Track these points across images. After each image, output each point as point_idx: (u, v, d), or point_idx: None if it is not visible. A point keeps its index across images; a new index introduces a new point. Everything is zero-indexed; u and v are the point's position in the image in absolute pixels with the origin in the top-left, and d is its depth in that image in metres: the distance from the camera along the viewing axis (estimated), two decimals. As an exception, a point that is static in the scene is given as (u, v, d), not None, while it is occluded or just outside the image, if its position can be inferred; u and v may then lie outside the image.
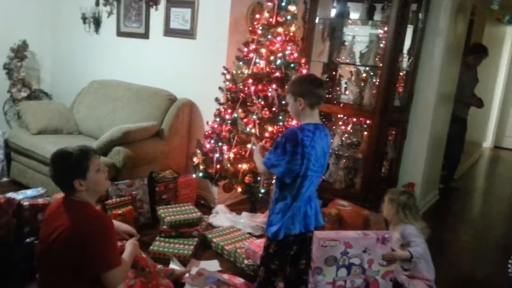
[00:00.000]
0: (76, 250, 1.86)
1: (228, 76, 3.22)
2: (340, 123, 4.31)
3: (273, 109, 3.04)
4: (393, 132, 4.03)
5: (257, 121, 3.06)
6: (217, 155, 3.18)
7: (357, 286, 2.55)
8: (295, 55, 3.15)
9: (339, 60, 4.07)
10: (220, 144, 3.20)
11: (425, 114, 3.91)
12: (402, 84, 3.98)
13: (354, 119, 4.23)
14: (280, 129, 3.07)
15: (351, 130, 4.17)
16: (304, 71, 3.21)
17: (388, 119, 3.72)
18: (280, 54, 3.08)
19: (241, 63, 3.15)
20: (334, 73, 4.30)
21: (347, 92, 4.11)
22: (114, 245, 2.00)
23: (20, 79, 4.65)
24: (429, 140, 3.97)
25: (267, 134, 3.05)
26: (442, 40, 3.76)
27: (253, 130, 3.06)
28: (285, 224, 2.09)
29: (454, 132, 4.87)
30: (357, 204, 3.78)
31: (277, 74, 3.04)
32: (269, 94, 3.07)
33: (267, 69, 3.05)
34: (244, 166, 3.03)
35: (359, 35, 4.04)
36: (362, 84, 3.98)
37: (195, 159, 3.35)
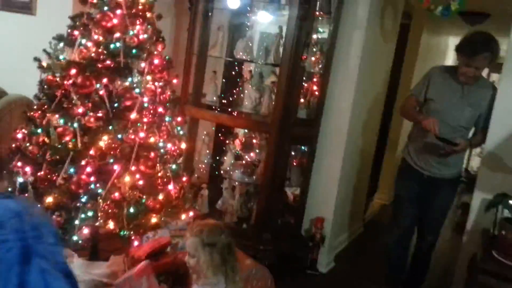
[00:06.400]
0: None
1: (45, 63, 2.18)
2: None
3: (99, 114, 2.05)
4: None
5: (79, 131, 2.06)
6: (20, 179, 2.13)
7: None
8: (145, 36, 2.17)
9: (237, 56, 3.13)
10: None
11: (338, 129, 3.04)
12: (312, 90, 3.09)
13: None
14: (114, 145, 2.08)
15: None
16: (156, 61, 2.22)
17: (289, 134, 2.82)
18: (117, 35, 2.09)
19: (62, 44, 2.14)
20: (233, 73, 3.37)
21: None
22: None
23: None
24: (343, 163, 3.09)
25: (92, 152, 2.05)
26: (362, 34, 2.90)
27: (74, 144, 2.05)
28: None
29: (397, 193, 2.91)
30: (249, 245, 2.87)
31: (108, 62, 2.05)
32: (101, 91, 2.07)
33: (93, 55, 2.06)
34: (49, 200, 2.00)
35: (264, 23, 3.14)
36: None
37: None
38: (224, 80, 3.32)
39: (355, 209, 3.71)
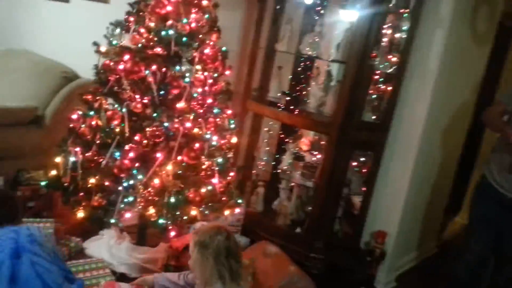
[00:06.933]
0: None
1: (104, 49, 2.22)
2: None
3: (145, 100, 2.04)
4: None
5: (128, 117, 2.08)
6: (72, 158, 2.20)
7: None
8: (197, 25, 2.13)
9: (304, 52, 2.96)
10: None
11: (409, 137, 2.75)
12: (382, 92, 2.82)
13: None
14: (156, 132, 2.07)
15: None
16: (207, 50, 2.16)
17: (351, 137, 2.61)
18: (170, 22, 2.07)
19: (118, 29, 2.17)
20: (301, 69, 3.22)
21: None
22: None
23: None
24: (413, 174, 2.78)
25: (136, 138, 2.06)
26: (444, 34, 2.58)
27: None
28: None
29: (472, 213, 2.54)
30: (299, 251, 2.72)
31: (158, 50, 2.04)
32: (150, 78, 2.07)
33: (144, 41, 2.06)
34: (92, 181, 2.04)
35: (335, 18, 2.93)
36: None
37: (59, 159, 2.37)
38: (291, 76, 3.19)
39: (427, 227, 3.34)
